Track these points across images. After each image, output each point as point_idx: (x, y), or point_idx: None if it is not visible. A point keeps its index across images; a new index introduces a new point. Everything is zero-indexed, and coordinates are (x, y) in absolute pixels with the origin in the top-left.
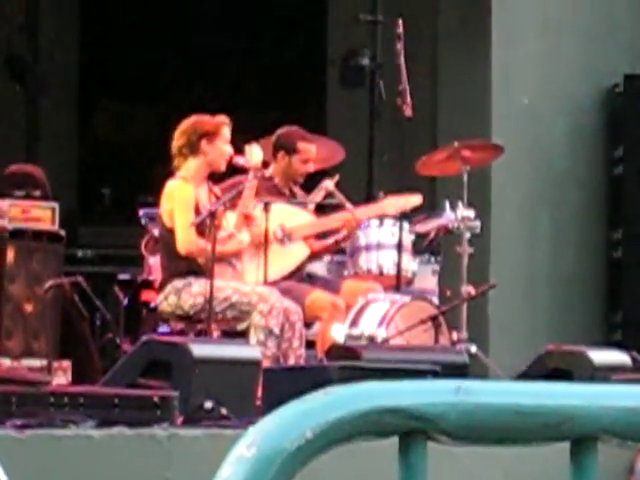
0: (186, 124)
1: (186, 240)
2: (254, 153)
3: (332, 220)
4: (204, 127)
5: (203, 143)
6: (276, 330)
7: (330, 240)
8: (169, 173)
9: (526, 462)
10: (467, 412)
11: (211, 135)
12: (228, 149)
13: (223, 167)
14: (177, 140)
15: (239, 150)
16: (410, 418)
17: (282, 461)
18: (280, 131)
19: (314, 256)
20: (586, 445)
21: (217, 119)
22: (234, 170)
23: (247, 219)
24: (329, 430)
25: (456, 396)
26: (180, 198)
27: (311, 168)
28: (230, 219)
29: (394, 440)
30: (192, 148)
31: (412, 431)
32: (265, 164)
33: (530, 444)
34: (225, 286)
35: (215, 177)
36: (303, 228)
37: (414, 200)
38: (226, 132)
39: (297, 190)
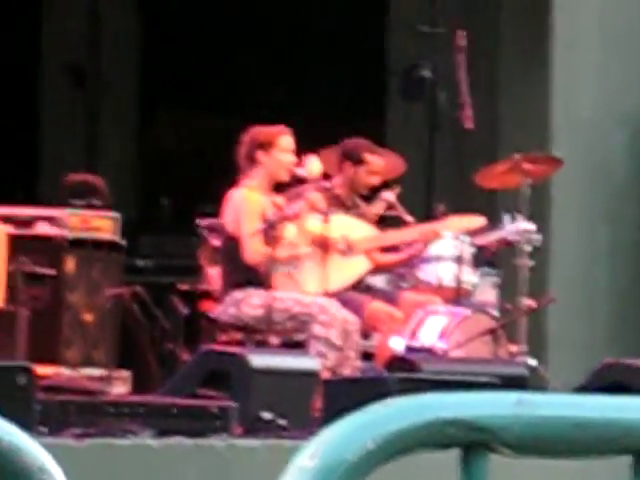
0: (245, 135)
1: (253, 249)
2: (313, 165)
3: (395, 235)
4: (259, 138)
5: (259, 153)
6: (336, 342)
7: (403, 255)
8: (232, 182)
9: (588, 476)
10: (528, 424)
11: (266, 145)
12: (288, 158)
13: (284, 177)
14: (239, 152)
15: (301, 161)
16: (472, 430)
17: (344, 472)
18: (348, 142)
19: (381, 269)
20: None
21: (273, 129)
22: (297, 180)
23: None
24: (391, 441)
25: (517, 408)
26: (247, 207)
27: (376, 181)
28: (291, 230)
29: (455, 452)
30: (250, 159)
31: (474, 443)
32: (326, 176)
33: (590, 457)
34: (285, 297)
35: (277, 188)
36: (366, 241)
37: (477, 222)
38: (283, 142)
39: (360, 202)
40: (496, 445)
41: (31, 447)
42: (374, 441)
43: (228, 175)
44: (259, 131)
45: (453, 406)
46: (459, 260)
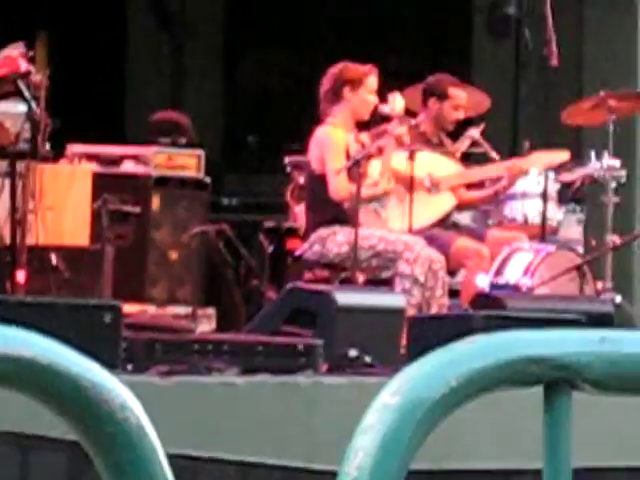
0: (333, 70)
1: (339, 185)
2: (397, 102)
3: (481, 171)
4: (348, 74)
5: (346, 90)
6: (421, 278)
7: (489, 191)
8: (318, 120)
9: None
10: (612, 362)
11: (355, 83)
12: (372, 99)
13: (366, 116)
14: (323, 85)
15: (384, 99)
16: (555, 367)
17: (426, 409)
18: (431, 77)
19: (467, 206)
20: None
21: (363, 68)
22: (382, 119)
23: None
24: (474, 379)
25: (601, 346)
26: (331, 143)
27: (461, 115)
28: (375, 167)
29: (538, 389)
30: (335, 94)
31: (557, 380)
32: (411, 113)
33: None
34: (371, 234)
35: (360, 126)
36: (452, 178)
37: (562, 156)
38: (371, 82)
39: (445, 139)
40: (579, 382)
41: (113, 384)
42: (457, 379)
43: (314, 113)
44: (348, 67)
45: (537, 344)
46: (545, 196)
